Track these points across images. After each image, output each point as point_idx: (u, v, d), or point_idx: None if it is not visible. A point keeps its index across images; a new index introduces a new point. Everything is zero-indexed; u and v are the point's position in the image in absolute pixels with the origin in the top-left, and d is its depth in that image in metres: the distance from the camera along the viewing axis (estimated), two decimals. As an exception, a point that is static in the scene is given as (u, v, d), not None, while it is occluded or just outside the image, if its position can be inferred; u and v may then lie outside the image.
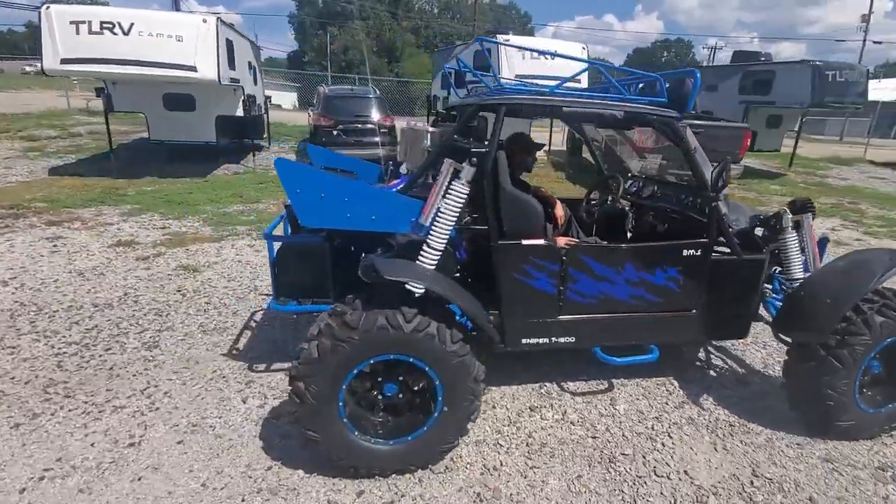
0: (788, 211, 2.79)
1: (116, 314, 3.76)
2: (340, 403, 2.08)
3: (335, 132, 9.69)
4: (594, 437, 2.51)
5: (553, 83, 2.66)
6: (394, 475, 2.21)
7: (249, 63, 10.55)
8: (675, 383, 3.04)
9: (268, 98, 12.28)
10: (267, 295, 4.15)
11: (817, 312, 2.39)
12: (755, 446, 2.51)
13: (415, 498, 2.11)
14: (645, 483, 2.23)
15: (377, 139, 9.80)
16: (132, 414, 2.63)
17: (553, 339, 2.59)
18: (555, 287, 2.52)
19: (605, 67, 3.42)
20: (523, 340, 2.56)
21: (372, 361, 2.06)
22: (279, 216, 3.18)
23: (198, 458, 2.31)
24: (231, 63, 8.68)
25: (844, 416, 2.47)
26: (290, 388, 2.08)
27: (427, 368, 2.08)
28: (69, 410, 2.65)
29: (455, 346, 2.08)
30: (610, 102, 2.52)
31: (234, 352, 3.28)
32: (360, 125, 9.86)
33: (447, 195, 2.32)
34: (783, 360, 2.69)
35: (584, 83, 10.06)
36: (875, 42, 28.95)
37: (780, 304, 2.72)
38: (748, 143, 8.66)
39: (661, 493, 2.18)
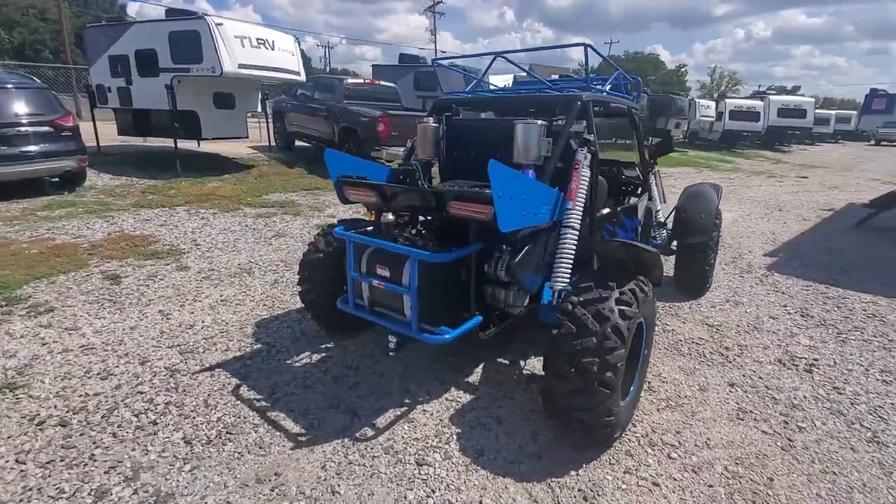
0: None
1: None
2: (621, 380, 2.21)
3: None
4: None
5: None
6: (623, 428, 2.50)
7: None
8: (621, 298, 4.28)
9: None
10: (201, 371, 2.96)
11: (702, 224, 4.02)
12: (692, 312, 4.04)
13: (654, 428, 2.51)
14: (703, 350, 3.35)
15: (56, 147, 6.93)
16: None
17: None
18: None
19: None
20: None
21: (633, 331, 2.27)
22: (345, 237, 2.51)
23: (489, 531, 1.91)
24: None
25: (709, 282, 4.31)
26: (593, 384, 2.05)
27: (644, 321, 2.46)
28: None
29: (653, 296, 2.54)
30: (620, 98, 3.31)
31: (302, 439, 2.40)
32: (24, 129, 6.65)
33: (581, 180, 2.62)
34: (675, 260, 4.32)
35: (302, 76, 10.05)
36: (442, 51, 38.68)
37: (672, 224, 4.28)
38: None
39: (711, 350, 3.36)
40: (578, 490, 2.12)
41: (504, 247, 2.61)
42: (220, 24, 8.46)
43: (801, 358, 3.36)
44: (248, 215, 6.70)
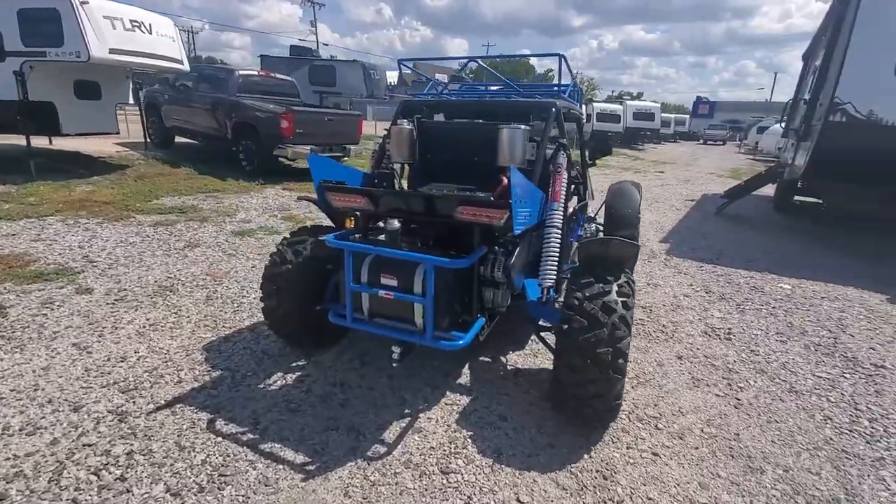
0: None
1: None
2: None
3: None
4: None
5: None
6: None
7: None
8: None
9: None
10: (157, 410, 2.59)
11: (630, 218, 4.48)
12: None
13: (636, 404, 2.78)
14: (647, 329, 3.76)
15: None
16: None
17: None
18: (571, 236, 3.45)
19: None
20: None
21: None
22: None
23: None
24: None
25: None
26: (608, 372, 2.21)
27: None
28: None
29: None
30: (574, 105, 3.53)
31: (311, 468, 2.22)
32: None
33: (563, 181, 2.79)
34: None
35: (186, 65, 9.12)
36: (324, 44, 36.89)
37: (604, 219, 4.69)
38: (362, 128, 10.61)
39: (653, 328, 3.78)
40: (596, 471, 2.28)
41: (497, 249, 2.67)
42: (86, 3, 7.20)
43: (719, 328, 3.96)
44: (144, 224, 5.85)
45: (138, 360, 3.01)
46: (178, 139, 11.06)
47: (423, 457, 2.31)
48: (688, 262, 5.80)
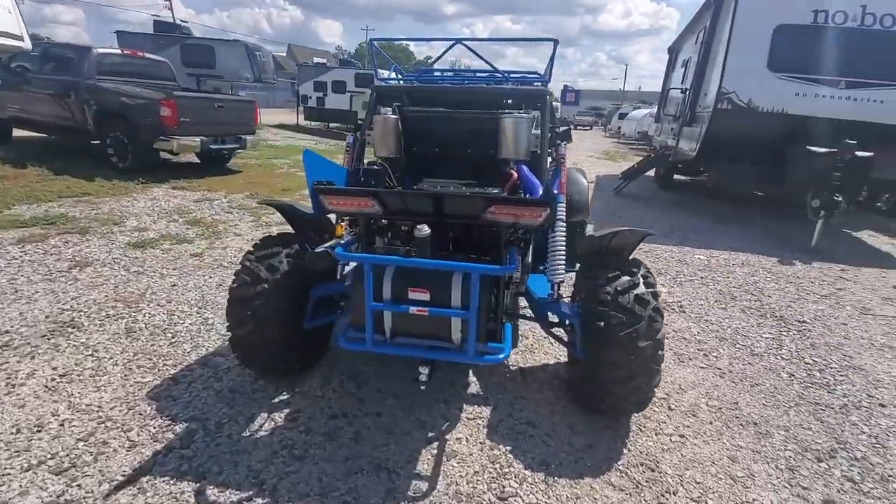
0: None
1: None
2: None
3: None
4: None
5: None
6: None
7: None
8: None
9: None
10: (117, 491, 2.02)
11: (581, 205, 4.58)
12: (579, 282, 4.62)
13: (646, 390, 2.83)
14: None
15: None
16: None
17: None
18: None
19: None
20: None
21: None
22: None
23: None
24: None
25: (581, 250, 5.00)
26: (649, 364, 2.18)
27: None
28: None
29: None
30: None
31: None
32: None
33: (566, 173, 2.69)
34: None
35: (27, 42, 7.54)
36: (182, 20, 31.80)
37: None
38: (258, 115, 9.54)
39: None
40: (641, 464, 2.26)
41: (513, 248, 2.49)
42: None
43: (671, 303, 4.26)
44: (3, 242, 4.58)
45: (62, 425, 2.30)
46: (17, 133, 8.93)
47: (470, 485, 2.08)
48: (615, 241, 6.17)
